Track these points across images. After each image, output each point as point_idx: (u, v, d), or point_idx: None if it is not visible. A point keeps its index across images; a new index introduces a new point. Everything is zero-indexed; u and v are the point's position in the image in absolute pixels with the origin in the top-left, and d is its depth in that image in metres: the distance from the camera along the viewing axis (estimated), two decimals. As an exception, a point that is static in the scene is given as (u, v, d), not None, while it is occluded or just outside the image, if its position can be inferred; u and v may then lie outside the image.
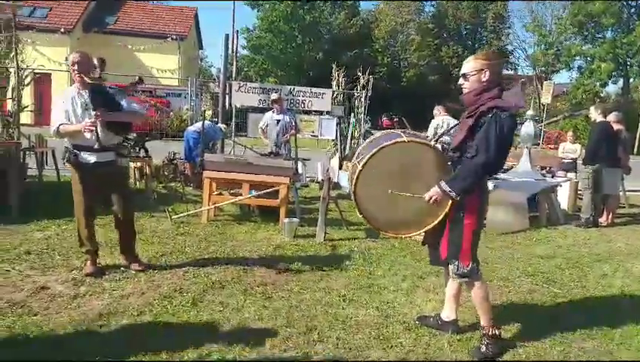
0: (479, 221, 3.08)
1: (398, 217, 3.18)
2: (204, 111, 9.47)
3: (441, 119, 8.15)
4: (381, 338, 3.23)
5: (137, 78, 4.44)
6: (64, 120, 3.75)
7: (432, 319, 3.46)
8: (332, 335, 3.23)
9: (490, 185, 3.05)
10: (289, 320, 3.39)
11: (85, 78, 3.75)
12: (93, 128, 3.61)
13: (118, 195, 4.04)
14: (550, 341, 3.31)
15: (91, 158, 3.82)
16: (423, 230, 3.19)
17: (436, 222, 3.12)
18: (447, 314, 3.40)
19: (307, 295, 3.87)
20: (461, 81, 3.05)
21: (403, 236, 3.58)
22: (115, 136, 3.92)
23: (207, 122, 8.18)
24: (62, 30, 22.28)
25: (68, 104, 3.78)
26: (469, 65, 3.01)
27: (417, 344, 3.18)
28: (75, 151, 3.83)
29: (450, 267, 3.11)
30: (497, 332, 3.13)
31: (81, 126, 3.65)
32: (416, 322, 3.47)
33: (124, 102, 3.94)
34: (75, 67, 3.74)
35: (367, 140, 3.37)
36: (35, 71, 8.57)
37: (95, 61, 4.16)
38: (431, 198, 2.96)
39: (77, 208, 3.96)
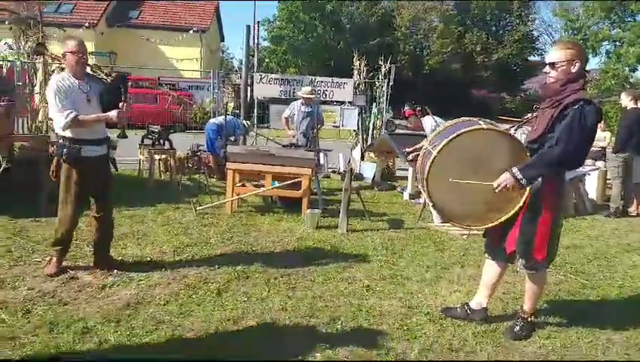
0: (556, 216, 3.00)
1: (471, 209, 3.09)
2: (227, 103, 9.51)
3: (434, 118, 8.02)
4: (405, 329, 3.22)
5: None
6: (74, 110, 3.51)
7: (459, 309, 3.44)
8: (355, 325, 3.24)
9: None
10: (312, 311, 3.41)
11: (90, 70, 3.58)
12: (125, 117, 3.56)
13: (105, 190, 3.87)
14: (577, 332, 3.27)
15: (94, 152, 3.67)
16: (497, 222, 3.09)
17: (510, 214, 3.04)
18: (479, 301, 3.39)
19: (330, 285, 3.89)
20: (547, 69, 2.95)
21: (473, 229, 3.41)
22: (105, 129, 3.82)
23: (228, 116, 8.24)
24: (86, 25, 22.65)
25: (75, 95, 3.53)
26: (559, 54, 2.91)
27: (441, 335, 3.17)
28: (76, 145, 3.58)
29: (520, 260, 3.05)
30: (535, 321, 3.25)
31: (114, 114, 3.54)
32: (441, 314, 3.45)
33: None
34: (84, 55, 3.56)
35: (443, 126, 3.23)
36: (62, 66, 8.73)
37: None
38: (500, 185, 2.88)
39: (68, 206, 3.69)
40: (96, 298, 3.45)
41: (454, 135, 2.94)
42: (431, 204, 3.14)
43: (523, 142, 3.06)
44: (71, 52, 3.54)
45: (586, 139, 2.83)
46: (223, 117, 8.11)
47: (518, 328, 3.20)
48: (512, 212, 3.03)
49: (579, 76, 2.89)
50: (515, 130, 3.18)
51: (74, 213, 3.74)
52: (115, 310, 3.26)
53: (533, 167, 2.86)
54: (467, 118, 3.18)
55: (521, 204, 3.00)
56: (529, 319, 3.22)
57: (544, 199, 2.94)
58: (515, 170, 2.84)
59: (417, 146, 3.37)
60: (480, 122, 3.03)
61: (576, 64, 2.86)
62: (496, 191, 2.90)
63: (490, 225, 3.12)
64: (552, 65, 2.91)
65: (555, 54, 2.93)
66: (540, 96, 3.11)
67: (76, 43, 3.55)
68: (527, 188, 2.95)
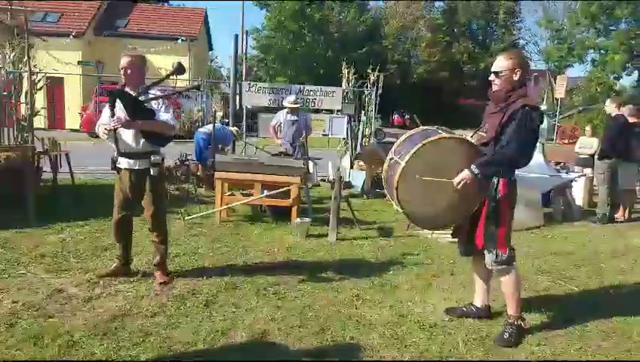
0: (512, 210, 3.21)
1: (436, 212, 3.25)
2: (215, 112, 9.48)
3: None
4: (395, 337, 3.21)
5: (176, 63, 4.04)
6: (105, 120, 3.70)
7: (465, 308, 3.56)
8: (345, 335, 3.22)
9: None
10: (302, 321, 3.38)
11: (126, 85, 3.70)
12: (106, 131, 3.59)
13: (148, 203, 3.86)
14: (567, 339, 3.27)
15: (124, 164, 3.79)
16: (461, 220, 3.29)
17: (469, 213, 3.23)
18: (482, 300, 3.53)
19: (320, 295, 3.86)
20: (492, 77, 3.18)
21: (440, 230, 3.72)
22: (149, 145, 3.75)
23: (217, 124, 8.21)
24: (73, 34, 22.51)
25: (108, 106, 3.66)
26: (502, 63, 3.12)
27: (432, 343, 3.16)
28: (115, 156, 3.81)
29: (489, 256, 3.19)
30: (522, 324, 3.27)
31: (97, 126, 3.70)
32: (447, 315, 3.54)
33: (161, 111, 3.75)
34: (122, 72, 3.70)
35: (403, 137, 3.39)
36: (48, 75, 8.65)
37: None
38: (460, 182, 3.04)
39: (114, 212, 3.99)
40: (82, 310, 3.39)
41: (420, 144, 3.07)
42: (401, 211, 3.25)
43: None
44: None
45: (532, 140, 3.08)
46: (212, 125, 8.08)
47: (507, 334, 3.21)
48: (477, 206, 3.20)
49: (521, 84, 3.11)
50: (472, 136, 3.35)
51: (114, 219, 3.97)
52: (102, 322, 3.21)
53: (489, 164, 3.05)
54: (426, 128, 3.36)
55: (478, 204, 3.18)
56: (516, 323, 3.24)
57: (501, 198, 3.13)
58: (473, 166, 3.04)
59: None
60: (439, 131, 3.22)
61: (518, 72, 3.08)
62: (457, 187, 3.06)
63: (458, 222, 3.35)
64: (497, 74, 3.13)
65: (498, 64, 3.14)
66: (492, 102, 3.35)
67: (121, 59, 3.71)
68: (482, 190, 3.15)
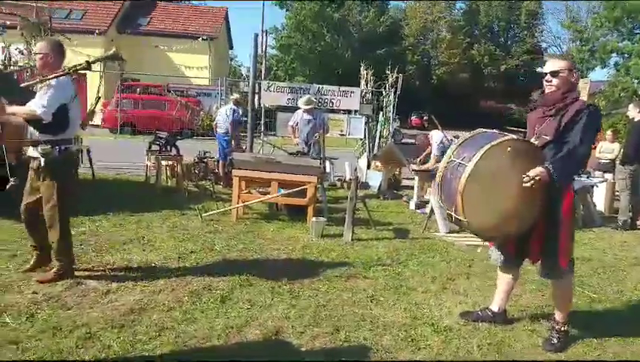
0: (573, 217, 3.11)
1: (499, 218, 2.99)
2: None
3: (444, 134, 7.66)
4: (409, 339, 3.19)
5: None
6: None
7: (480, 312, 3.50)
8: (359, 335, 3.21)
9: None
10: (316, 320, 3.38)
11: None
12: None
13: (44, 198, 3.74)
14: (585, 346, 3.22)
15: (30, 151, 3.74)
16: (522, 231, 3.05)
17: (533, 220, 3.01)
18: (499, 305, 3.47)
19: (334, 294, 3.86)
20: (549, 77, 3.07)
21: (497, 239, 3.32)
22: (38, 133, 3.65)
23: (226, 108, 8.45)
24: (97, 32, 22.86)
25: None
26: (560, 63, 3.06)
27: (446, 347, 3.13)
28: None
29: (547, 266, 3.08)
30: (569, 329, 3.22)
31: None
32: (462, 319, 3.50)
33: (37, 96, 3.56)
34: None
35: (460, 139, 3.19)
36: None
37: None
38: (532, 177, 2.83)
39: None
40: (100, 303, 3.44)
41: (489, 146, 2.84)
42: (464, 220, 2.94)
43: None
44: None
45: (593, 140, 3.06)
46: (229, 120, 8.27)
47: (555, 340, 3.16)
48: (533, 220, 3.01)
49: (575, 86, 3.07)
50: (536, 138, 3.14)
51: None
52: (119, 315, 3.25)
53: (565, 166, 2.90)
54: (485, 130, 3.15)
55: (539, 212, 2.99)
56: (563, 328, 3.19)
57: (563, 202, 3.00)
58: (548, 165, 2.86)
59: (428, 152, 3.37)
60: (504, 133, 3.03)
61: (575, 73, 3.06)
62: (529, 183, 2.84)
63: (512, 233, 3.09)
64: (555, 73, 3.04)
65: (555, 64, 3.07)
66: (541, 105, 3.17)
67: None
68: (543, 193, 2.96)
